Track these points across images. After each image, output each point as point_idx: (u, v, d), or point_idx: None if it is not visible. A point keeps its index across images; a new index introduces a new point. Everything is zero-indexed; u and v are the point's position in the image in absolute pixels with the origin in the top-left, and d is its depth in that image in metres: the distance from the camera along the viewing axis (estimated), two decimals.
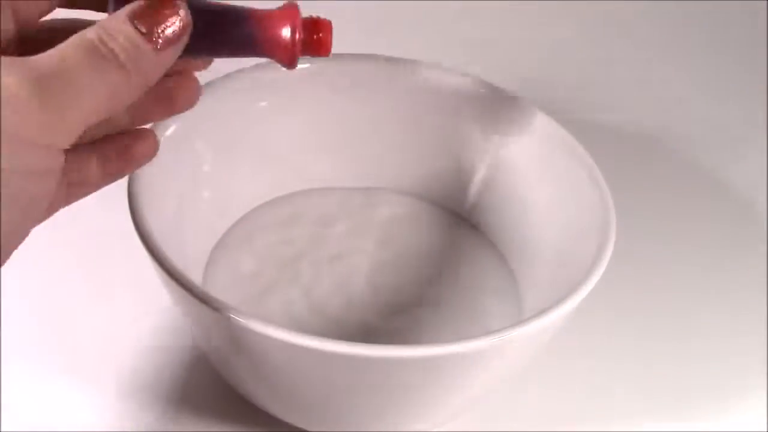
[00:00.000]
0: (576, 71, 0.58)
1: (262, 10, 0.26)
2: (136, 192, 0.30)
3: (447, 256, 0.38)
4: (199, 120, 0.33)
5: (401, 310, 0.35)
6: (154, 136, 0.26)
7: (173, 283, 0.27)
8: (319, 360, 0.26)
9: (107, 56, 0.21)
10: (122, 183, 0.31)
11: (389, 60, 0.38)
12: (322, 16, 0.27)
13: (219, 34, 0.25)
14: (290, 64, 0.26)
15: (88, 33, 0.21)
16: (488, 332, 0.27)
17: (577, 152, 0.35)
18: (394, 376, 0.27)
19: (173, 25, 0.22)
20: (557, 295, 0.29)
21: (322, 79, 0.38)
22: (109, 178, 0.25)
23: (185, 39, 0.23)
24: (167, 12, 0.22)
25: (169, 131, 0.33)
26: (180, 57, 0.23)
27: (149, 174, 0.31)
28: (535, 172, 0.37)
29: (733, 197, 0.49)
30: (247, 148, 0.38)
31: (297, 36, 0.26)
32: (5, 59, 0.19)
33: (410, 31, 0.59)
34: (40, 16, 0.23)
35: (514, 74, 0.52)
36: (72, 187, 0.24)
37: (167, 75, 0.23)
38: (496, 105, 0.38)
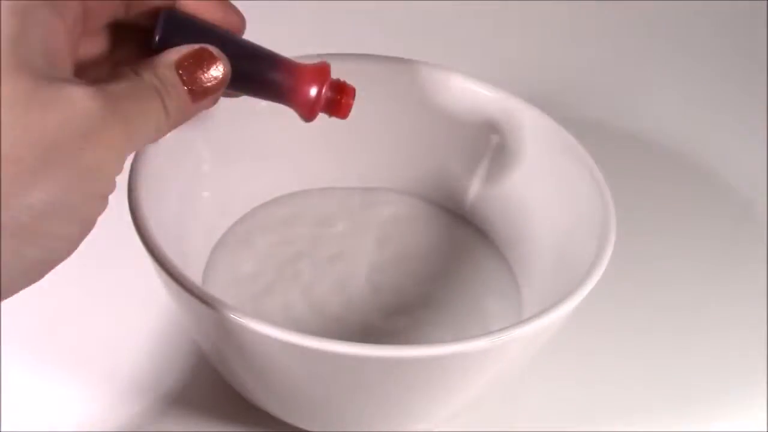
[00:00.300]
0: (576, 71, 0.58)
1: (295, 63, 0.27)
2: (136, 192, 0.30)
3: (447, 256, 0.38)
4: (199, 120, 0.33)
5: (401, 310, 0.35)
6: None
7: (173, 283, 0.27)
8: (319, 360, 0.26)
9: (157, 98, 0.23)
10: (122, 183, 0.31)
11: (389, 60, 0.38)
12: (345, 80, 0.28)
13: (251, 77, 0.27)
14: (309, 118, 0.28)
15: (146, 75, 0.23)
16: (488, 332, 0.27)
17: (577, 152, 0.35)
18: (394, 376, 0.27)
19: (213, 80, 0.25)
20: (557, 295, 0.29)
21: None
22: None
23: (221, 92, 0.25)
24: (209, 67, 0.24)
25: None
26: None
27: (149, 174, 0.31)
28: (535, 172, 0.37)
29: (733, 197, 0.49)
30: (247, 148, 0.38)
31: (322, 95, 0.27)
32: (88, 88, 0.21)
33: (410, 31, 0.59)
34: (108, 20, 0.25)
35: (514, 74, 0.52)
36: None
37: None
38: (496, 105, 0.38)
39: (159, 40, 0.25)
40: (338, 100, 0.28)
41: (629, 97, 0.56)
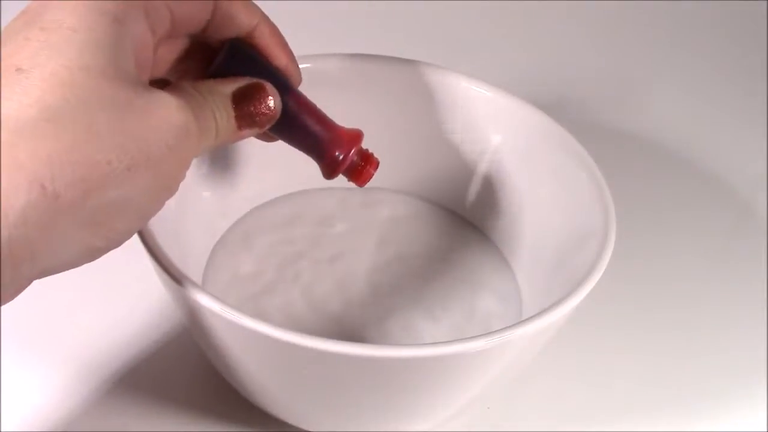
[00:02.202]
0: (576, 71, 0.58)
1: (334, 123, 0.29)
2: None
3: (447, 256, 0.38)
4: None
5: (401, 310, 0.35)
6: None
7: (173, 283, 0.27)
8: (319, 360, 0.26)
9: (213, 120, 0.25)
10: None
11: (389, 60, 0.38)
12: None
13: (293, 125, 0.28)
14: (330, 176, 0.30)
15: (208, 97, 0.25)
16: (488, 332, 0.27)
17: (577, 152, 0.35)
18: (394, 376, 0.27)
19: (262, 115, 0.26)
20: (557, 295, 0.29)
21: (321, 79, 0.38)
22: None
23: (268, 126, 0.27)
24: (261, 102, 0.26)
25: None
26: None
27: None
28: (535, 172, 0.37)
29: (733, 197, 0.49)
30: (247, 148, 0.38)
31: (349, 158, 0.29)
32: (180, 101, 0.23)
33: (411, 31, 0.59)
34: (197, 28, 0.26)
35: (514, 74, 0.53)
36: None
37: None
38: (497, 105, 0.38)
39: (219, 66, 0.26)
40: (362, 167, 0.30)
41: (629, 97, 0.56)
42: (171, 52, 0.27)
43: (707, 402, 0.38)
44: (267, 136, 0.30)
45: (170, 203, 0.33)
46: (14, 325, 0.36)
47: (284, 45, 0.28)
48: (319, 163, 0.29)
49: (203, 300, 0.27)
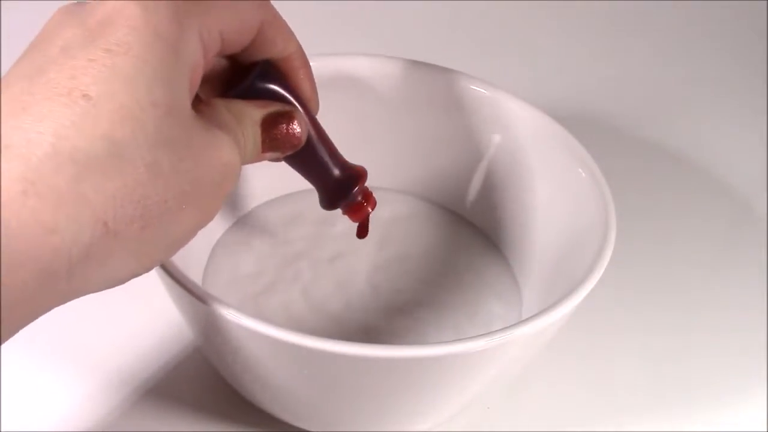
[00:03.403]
0: (576, 71, 0.58)
1: (343, 160, 0.30)
2: None
3: (447, 256, 0.38)
4: None
5: (401, 311, 0.35)
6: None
7: (173, 283, 0.27)
8: (319, 360, 0.26)
9: (240, 141, 0.25)
10: None
11: (389, 60, 0.38)
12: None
13: (308, 153, 0.28)
14: (330, 208, 0.30)
15: (237, 117, 0.25)
16: (488, 332, 0.27)
17: (577, 152, 0.35)
18: (394, 376, 0.27)
19: (288, 145, 0.27)
20: (557, 295, 0.29)
21: (321, 79, 0.38)
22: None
23: (291, 152, 0.27)
24: (289, 127, 0.26)
25: None
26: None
27: None
28: (535, 172, 0.37)
29: (733, 197, 0.49)
30: None
31: (349, 195, 0.30)
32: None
33: (410, 30, 0.59)
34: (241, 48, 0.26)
35: (514, 74, 0.53)
36: None
37: None
38: (497, 105, 0.38)
39: (248, 86, 0.26)
40: (362, 205, 0.30)
41: (629, 98, 0.56)
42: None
43: (707, 402, 0.38)
44: (275, 159, 0.30)
45: None
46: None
47: (311, 76, 0.28)
48: (321, 194, 0.30)
49: (203, 300, 0.27)
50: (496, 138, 0.38)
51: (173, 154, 0.21)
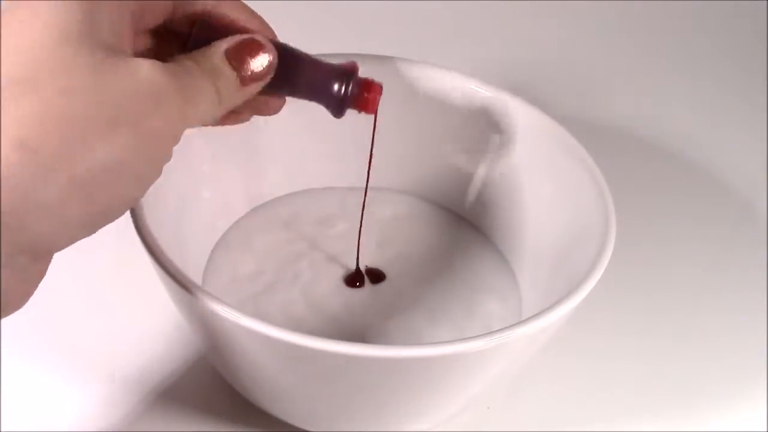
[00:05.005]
0: (575, 71, 0.58)
1: (324, 62, 0.29)
2: None
3: (447, 256, 0.38)
4: None
5: (401, 311, 0.35)
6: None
7: (173, 283, 0.27)
8: (319, 360, 0.26)
9: (209, 80, 0.25)
10: None
11: (389, 60, 0.38)
12: (369, 76, 0.30)
13: (286, 74, 0.28)
14: (337, 113, 0.30)
15: (200, 60, 0.25)
16: (488, 332, 0.27)
17: (577, 152, 0.35)
18: (394, 376, 0.27)
19: (260, 66, 0.26)
20: (557, 295, 0.29)
21: None
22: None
23: (269, 78, 0.27)
24: (257, 54, 0.26)
25: None
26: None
27: None
28: (535, 172, 0.37)
29: (733, 197, 0.49)
30: (247, 148, 0.38)
31: (348, 91, 0.29)
32: (153, 62, 0.23)
33: (410, 31, 0.59)
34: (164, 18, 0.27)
35: (513, 74, 0.53)
36: None
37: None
38: (496, 105, 0.38)
39: (195, 39, 0.26)
40: (363, 96, 0.30)
41: (630, 98, 0.56)
42: (150, 42, 0.28)
43: (708, 402, 0.38)
44: (264, 107, 0.30)
45: (170, 203, 0.33)
46: (14, 325, 0.36)
47: (252, 12, 0.28)
48: (326, 104, 0.30)
49: (203, 300, 0.27)
50: (496, 138, 0.38)
51: (86, 74, 0.21)
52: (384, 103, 0.39)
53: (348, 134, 0.39)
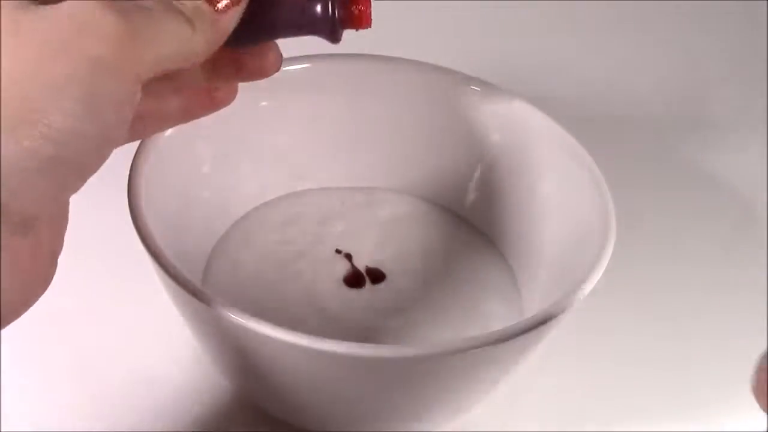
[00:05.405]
0: (575, 70, 0.58)
1: None
2: (135, 192, 0.30)
3: (447, 256, 0.38)
4: (199, 120, 0.33)
5: (401, 311, 0.35)
6: (235, 87, 0.29)
7: (173, 283, 0.27)
8: (319, 360, 0.26)
9: (176, 9, 0.23)
10: (122, 183, 0.31)
11: (389, 60, 0.38)
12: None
13: (271, 11, 0.26)
14: (333, 39, 0.27)
15: None
16: (488, 332, 0.27)
17: (577, 152, 0.35)
18: (394, 376, 0.27)
19: None
20: (557, 295, 0.29)
21: (321, 79, 0.38)
22: (188, 116, 0.28)
23: (242, 6, 0.24)
24: None
25: (169, 131, 0.33)
26: (237, 41, 0.25)
27: (149, 174, 0.31)
28: (534, 172, 0.37)
29: (733, 197, 0.49)
30: (247, 148, 0.38)
31: (334, 11, 0.27)
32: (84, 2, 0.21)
33: (411, 31, 0.59)
34: None
35: (514, 74, 0.53)
36: (149, 120, 0.27)
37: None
38: (496, 104, 0.38)
39: None
40: (354, 12, 0.27)
41: (630, 98, 0.56)
42: None
43: (708, 402, 0.38)
44: (251, 62, 0.28)
45: (170, 203, 0.33)
46: (14, 325, 0.36)
47: None
48: (315, 33, 0.28)
49: (202, 300, 0.27)
50: (496, 138, 0.38)
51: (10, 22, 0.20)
52: (384, 103, 0.39)
53: (348, 135, 0.40)
